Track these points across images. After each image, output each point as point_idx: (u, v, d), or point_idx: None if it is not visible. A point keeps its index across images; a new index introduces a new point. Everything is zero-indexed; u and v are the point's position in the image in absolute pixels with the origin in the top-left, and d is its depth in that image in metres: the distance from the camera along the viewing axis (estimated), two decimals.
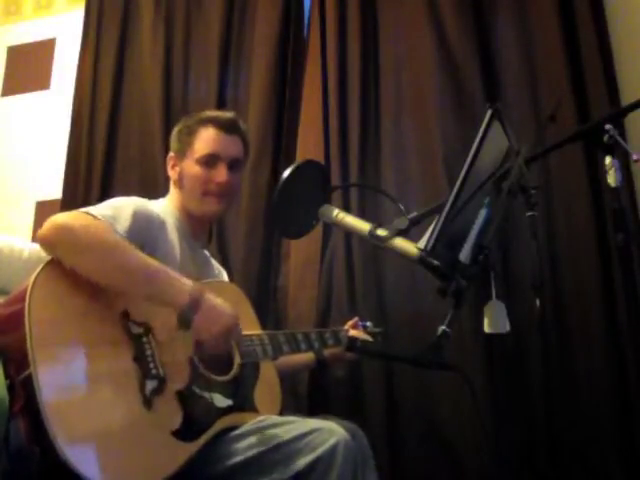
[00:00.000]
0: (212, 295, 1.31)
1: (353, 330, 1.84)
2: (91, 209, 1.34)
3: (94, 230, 1.27)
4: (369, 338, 1.83)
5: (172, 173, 1.64)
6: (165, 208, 1.58)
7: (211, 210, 1.59)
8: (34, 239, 2.56)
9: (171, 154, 1.66)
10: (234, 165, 1.61)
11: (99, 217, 1.31)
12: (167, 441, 1.22)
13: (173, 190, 1.64)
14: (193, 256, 1.60)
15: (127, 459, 1.16)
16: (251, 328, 1.57)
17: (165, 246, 1.47)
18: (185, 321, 1.26)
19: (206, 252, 1.74)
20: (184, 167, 1.61)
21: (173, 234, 1.52)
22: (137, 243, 1.36)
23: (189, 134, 1.63)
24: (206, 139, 1.60)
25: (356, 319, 1.89)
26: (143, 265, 1.27)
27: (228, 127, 1.62)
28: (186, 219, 1.60)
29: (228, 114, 1.67)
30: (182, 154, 1.62)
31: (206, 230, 1.74)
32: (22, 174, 2.86)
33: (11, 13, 3.13)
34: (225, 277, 1.79)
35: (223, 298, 1.54)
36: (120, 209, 1.38)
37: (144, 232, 1.41)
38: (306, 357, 1.77)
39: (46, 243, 1.25)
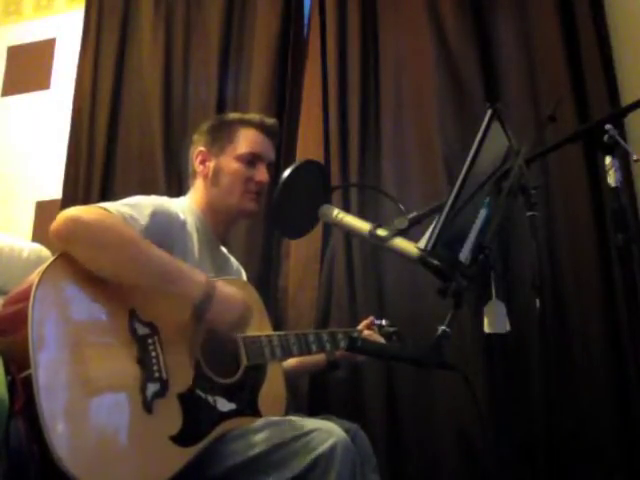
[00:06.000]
0: (224, 285, 1.34)
1: (367, 330, 1.79)
2: (107, 205, 1.31)
3: (109, 223, 1.26)
4: (380, 339, 1.78)
5: (201, 168, 1.63)
6: (186, 207, 1.56)
7: (249, 208, 1.60)
8: (34, 239, 2.56)
9: (201, 148, 1.64)
10: (269, 169, 1.65)
11: (115, 213, 1.29)
12: (164, 446, 1.20)
13: (200, 185, 1.62)
14: (212, 256, 1.58)
15: (123, 464, 1.14)
16: (262, 328, 1.54)
17: (183, 247, 1.45)
18: (199, 313, 1.28)
19: (224, 249, 1.72)
20: (222, 163, 1.61)
21: (193, 234, 1.51)
22: (154, 243, 1.35)
23: (229, 131, 1.63)
24: (249, 138, 1.62)
25: (371, 318, 1.83)
26: (157, 258, 1.28)
27: (270, 132, 1.66)
28: (209, 217, 1.60)
29: (271, 119, 1.70)
30: (219, 149, 1.62)
31: (229, 229, 1.70)
32: (22, 174, 2.86)
33: (11, 13, 3.13)
34: (244, 275, 1.77)
35: None
36: (139, 207, 1.37)
37: (162, 232, 1.39)
38: (316, 358, 1.73)
39: (60, 237, 1.23)
